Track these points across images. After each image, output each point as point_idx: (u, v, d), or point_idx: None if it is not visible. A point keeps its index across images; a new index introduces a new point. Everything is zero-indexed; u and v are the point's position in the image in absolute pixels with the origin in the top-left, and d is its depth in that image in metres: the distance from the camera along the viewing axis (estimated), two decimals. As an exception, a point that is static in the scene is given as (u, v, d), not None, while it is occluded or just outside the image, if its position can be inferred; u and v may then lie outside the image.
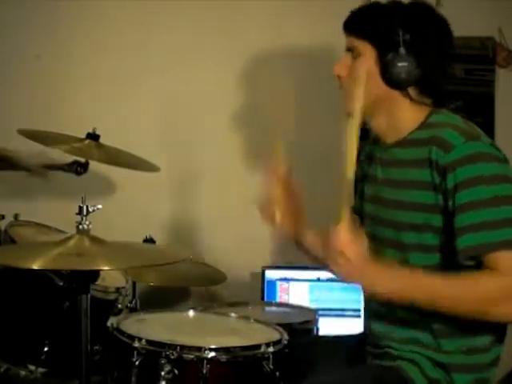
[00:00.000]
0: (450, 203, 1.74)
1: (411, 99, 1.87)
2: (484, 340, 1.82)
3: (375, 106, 1.89)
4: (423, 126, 1.86)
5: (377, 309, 1.93)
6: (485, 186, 1.71)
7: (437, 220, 1.79)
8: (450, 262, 1.77)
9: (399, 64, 1.82)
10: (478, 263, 1.71)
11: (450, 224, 1.75)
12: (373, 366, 1.82)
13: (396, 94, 1.87)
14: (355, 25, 1.90)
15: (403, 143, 1.88)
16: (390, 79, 1.84)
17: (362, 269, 1.71)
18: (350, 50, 1.90)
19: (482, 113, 3.12)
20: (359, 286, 1.78)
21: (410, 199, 1.83)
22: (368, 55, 1.86)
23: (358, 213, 2.01)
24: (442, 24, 1.88)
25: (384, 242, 1.90)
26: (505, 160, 1.78)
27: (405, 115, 1.88)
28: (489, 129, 3.10)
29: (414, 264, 1.83)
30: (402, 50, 1.81)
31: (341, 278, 1.74)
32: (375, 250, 1.90)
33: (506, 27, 3.11)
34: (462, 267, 1.74)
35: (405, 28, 1.82)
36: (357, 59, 1.88)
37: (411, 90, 1.86)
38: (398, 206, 1.87)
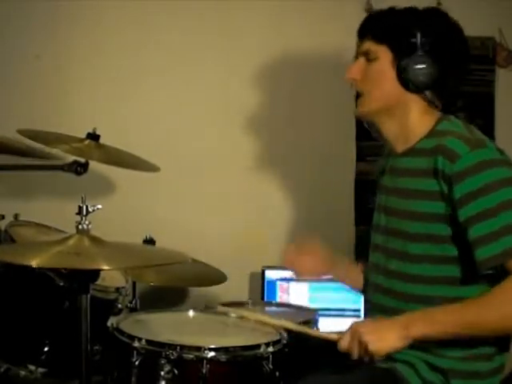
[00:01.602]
0: (460, 215, 1.74)
1: (425, 103, 1.88)
2: (487, 349, 1.82)
3: (388, 109, 1.90)
4: (431, 134, 1.86)
5: (376, 311, 1.94)
6: (491, 193, 1.71)
7: (446, 230, 1.79)
8: (463, 272, 1.78)
9: (418, 66, 1.84)
10: (497, 271, 1.71)
11: (458, 234, 1.76)
12: (370, 368, 1.82)
13: (410, 98, 1.88)
14: (371, 28, 1.91)
15: (411, 152, 1.89)
16: (408, 82, 1.86)
17: (386, 332, 1.74)
18: (364, 53, 1.91)
19: (482, 113, 3.12)
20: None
21: (418, 209, 1.83)
22: (384, 58, 1.87)
23: (374, 226, 2.02)
24: (456, 29, 1.90)
25: (393, 253, 1.90)
26: (510, 163, 1.79)
27: (415, 121, 1.89)
28: (489, 129, 3.10)
29: (422, 275, 1.83)
30: (420, 53, 1.83)
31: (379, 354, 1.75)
32: (381, 264, 1.93)
33: (506, 27, 3.11)
34: (476, 276, 1.75)
35: (422, 31, 1.83)
36: (372, 62, 1.89)
37: (426, 94, 1.88)
38: (407, 216, 1.87)
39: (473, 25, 2.97)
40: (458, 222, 1.75)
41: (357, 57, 1.94)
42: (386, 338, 1.73)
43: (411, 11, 1.89)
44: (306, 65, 3.06)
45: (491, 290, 1.71)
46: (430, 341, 1.76)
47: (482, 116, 3.11)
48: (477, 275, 1.75)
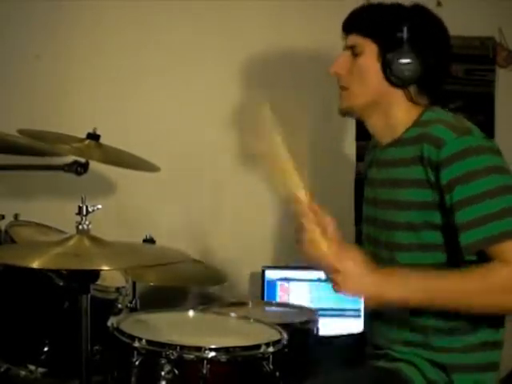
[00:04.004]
0: (447, 200, 1.75)
1: (410, 98, 1.88)
2: (479, 339, 1.82)
3: (373, 104, 1.91)
4: (416, 124, 1.87)
5: (375, 310, 1.94)
6: (478, 179, 1.72)
7: (435, 217, 1.79)
8: (452, 259, 1.77)
9: (402, 61, 1.84)
10: (481, 257, 1.71)
11: (448, 220, 1.76)
12: (372, 368, 1.82)
13: (395, 92, 1.89)
14: (357, 23, 1.92)
15: (397, 143, 1.90)
16: (392, 76, 1.86)
17: (362, 280, 1.72)
18: (350, 47, 1.92)
19: (482, 113, 3.12)
20: (362, 298, 1.77)
21: (406, 198, 1.84)
22: (369, 53, 1.88)
23: (364, 218, 2.03)
24: (440, 25, 1.91)
25: (384, 245, 1.91)
26: (497, 151, 1.79)
27: (400, 115, 1.90)
28: (489, 129, 3.10)
29: (412, 264, 1.83)
30: (406, 47, 1.83)
31: (344, 294, 1.74)
32: (376, 254, 1.92)
33: (506, 27, 3.11)
34: (464, 263, 1.74)
35: (408, 26, 1.84)
36: (358, 57, 1.89)
37: (410, 89, 1.88)
38: (394, 206, 1.88)
39: (473, 25, 3.02)
40: (446, 208, 1.76)
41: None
42: (361, 283, 1.73)
43: (396, 7, 1.91)
44: (306, 64, 3.07)
45: (476, 268, 1.71)
46: (422, 338, 1.78)
47: (482, 116, 3.11)
48: (462, 261, 1.75)
